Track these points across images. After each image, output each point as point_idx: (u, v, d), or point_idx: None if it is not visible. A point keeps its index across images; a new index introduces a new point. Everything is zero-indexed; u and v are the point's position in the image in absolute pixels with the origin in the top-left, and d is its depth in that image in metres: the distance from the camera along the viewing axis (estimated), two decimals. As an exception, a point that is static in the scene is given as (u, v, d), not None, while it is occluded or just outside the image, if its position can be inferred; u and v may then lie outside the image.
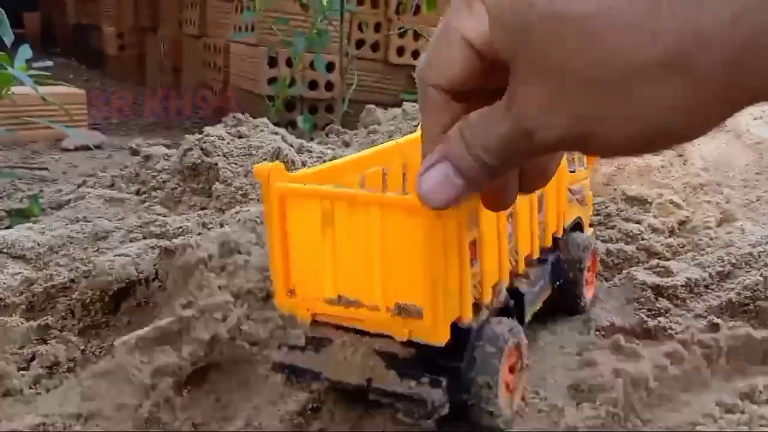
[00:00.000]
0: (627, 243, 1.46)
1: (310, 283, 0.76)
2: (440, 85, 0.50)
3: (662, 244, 1.43)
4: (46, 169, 2.39)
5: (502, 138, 0.46)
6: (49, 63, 6.25)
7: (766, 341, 1.00)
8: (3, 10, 1.61)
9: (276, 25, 2.98)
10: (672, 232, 1.58)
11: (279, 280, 0.78)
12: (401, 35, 3.48)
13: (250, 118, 2.04)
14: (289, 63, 3.13)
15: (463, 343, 0.75)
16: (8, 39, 1.60)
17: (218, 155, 1.53)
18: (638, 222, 1.57)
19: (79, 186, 1.69)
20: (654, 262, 1.30)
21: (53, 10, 7.04)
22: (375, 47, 3.45)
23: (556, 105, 0.42)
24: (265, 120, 2.08)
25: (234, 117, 2.05)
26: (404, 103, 2.45)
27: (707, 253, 1.30)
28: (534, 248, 0.97)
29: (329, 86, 3.27)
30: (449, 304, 0.71)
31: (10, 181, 2.14)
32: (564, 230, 1.08)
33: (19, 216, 1.49)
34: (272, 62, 3.20)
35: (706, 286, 1.22)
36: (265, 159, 1.50)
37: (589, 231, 1.20)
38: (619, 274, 1.32)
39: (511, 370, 0.82)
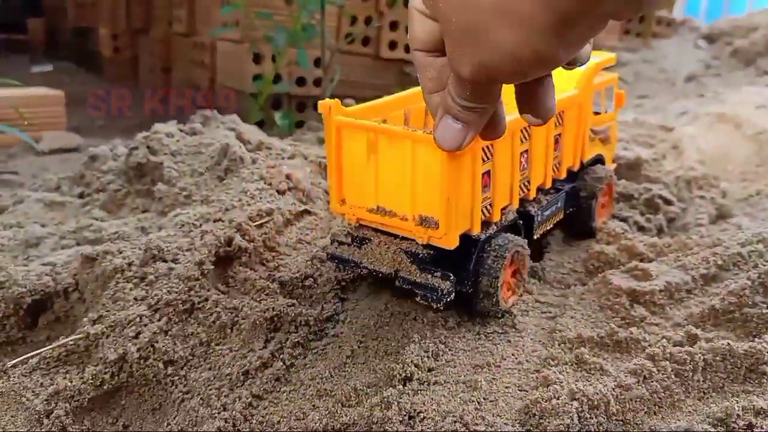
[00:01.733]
0: (608, 243, 1.32)
1: (357, 196, 1.01)
2: (419, 48, 0.68)
3: (646, 244, 1.29)
4: (15, 172, 2.31)
5: (456, 84, 0.64)
6: (49, 67, 6.22)
7: (749, 355, 0.87)
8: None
9: (258, 19, 2.87)
10: (660, 231, 1.45)
11: (334, 192, 1.03)
12: (393, 28, 3.36)
13: (218, 115, 1.94)
14: (274, 59, 3.02)
15: (471, 250, 1.00)
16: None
17: (165, 154, 1.42)
18: (623, 220, 1.43)
19: (21, 190, 1.60)
20: (633, 264, 1.16)
21: (57, 15, 7.01)
22: (366, 41, 3.34)
23: (456, 50, 0.59)
24: (234, 117, 1.97)
25: (202, 114, 1.95)
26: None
27: (693, 253, 1.17)
28: (547, 179, 1.18)
29: (318, 82, 3.15)
30: (460, 219, 0.95)
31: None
32: (582, 165, 1.28)
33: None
34: (258, 59, 3.09)
35: (688, 291, 1.08)
36: (213, 157, 1.39)
37: (611, 166, 1.39)
38: (596, 277, 1.19)
39: (513, 274, 1.08)
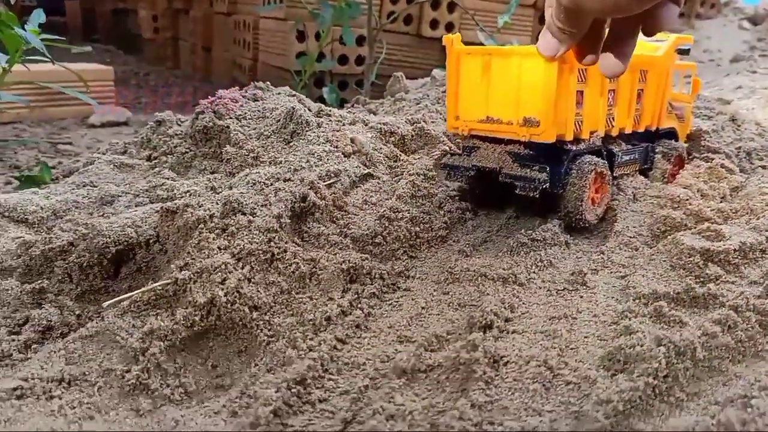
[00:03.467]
0: (674, 208, 1.32)
1: (470, 110, 1.26)
2: None
3: (713, 209, 1.28)
4: (70, 143, 2.37)
5: (557, 8, 0.80)
6: (88, 48, 6.34)
7: (834, 308, 0.86)
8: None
9: (302, -4, 2.88)
10: (723, 198, 1.43)
11: (451, 110, 1.28)
12: (435, 7, 3.35)
13: (272, 87, 1.96)
14: (318, 37, 3.04)
15: (563, 157, 1.21)
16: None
17: (231, 118, 1.45)
18: (686, 187, 1.42)
19: (91, 152, 1.64)
20: (704, 226, 1.16)
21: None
22: (408, 20, 3.33)
23: None
24: (286, 88, 2.00)
25: (254, 85, 1.98)
26: (434, 70, 2.33)
27: (764, 215, 1.16)
28: (627, 124, 1.37)
29: (360, 60, 3.16)
30: (558, 119, 1.16)
31: (34, 155, 2.13)
32: (658, 132, 1.47)
33: (28, 182, 1.44)
34: (301, 36, 3.11)
35: (763, 251, 1.08)
36: (278, 120, 1.42)
37: (683, 142, 1.56)
38: (665, 239, 1.18)
39: (597, 190, 1.27)
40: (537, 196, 1.21)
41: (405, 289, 1.10)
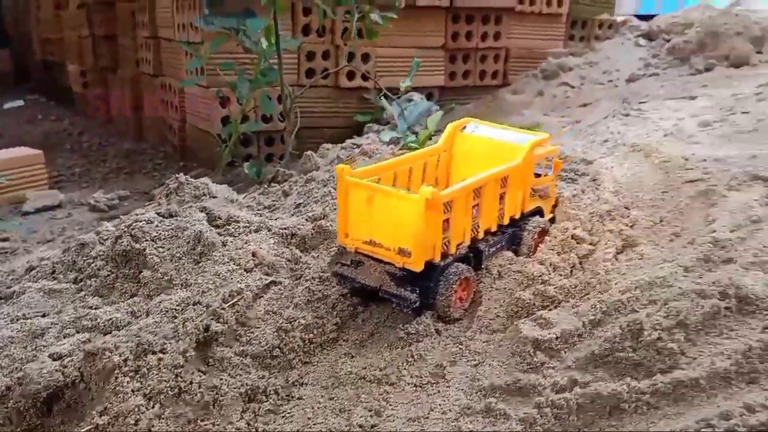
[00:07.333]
0: (527, 287, 1.57)
1: (356, 231, 1.48)
2: None
3: (557, 288, 1.54)
4: (6, 239, 2.51)
5: None
6: (20, 102, 6.36)
7: (612, 396, 1.13)
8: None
9: (221, 69, 3.07)
10: (573, 268, 1.69)
11: (341, 227, 1.51)
12: (349, 60, 3.57)
13: (191, 180, 2.16)
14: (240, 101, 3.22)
15: (432, 272, 1.45)
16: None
17: (147, 240, 1.65)
18: (541, 263, 1.68)
19: (24, 273, 1.82)
20: (539, 313, 1.42)
21: (24, 46, 7.11)
22: (325, 74, 3.55)
23: None
24: (206, 181, 2.20)
25: (176, 179, 2.18)
26: (335, 144, 2.57)
27: (588, 299, 1.42)
28: (492, 225, 1.63)
29: (284, 117, 3.37)
30: (425, 251, 1.41)
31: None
32: (523, 214, 1.72)
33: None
34: (224, 102, 3.29)
35: (579, 336, 1.34)
36: (188, 242, 1.63)
37: (548, 216, 1.83)
38: (513, 324, 1.44)
39: (463, 290, 1.52)
40: (410, 312, 1.46)
41: (298, 398, 1.32)
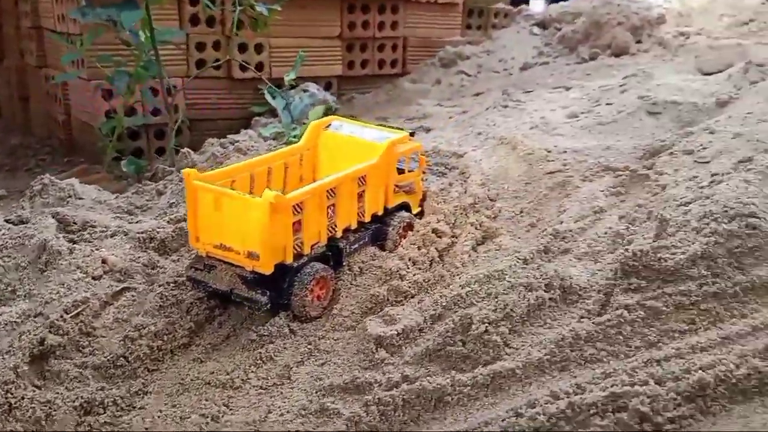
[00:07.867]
0: (384, 283, 1.60)
1: (207, 235, 1.47)
2: None
3: (410, 282, 1.58)
4: None
5: None
6: None
7: (437, 390, 1.18)
8: None
9: (100, 62, 2.95)
10: (432, 262, 1.74)
11: (192, 231, 1.50)
12: (242, 50, 3.50)
13: (56, 181, 2.09)
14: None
15: (285, 273, 1.45)
16: None
17: (-8, 250, 1.59)
18: (401, 258, 1.72)
19: None
20: (387, 309, 1.46)
21: None
22: (217, 65, 3.47)
23: None
24: (72, 182, 2.13)
25: (40, 180, 2.10)
26: (221, 139, 2.53)
27: (431, 294, 1.47)
28: (352, 223, 1.64)
29: (174, 108, 3.28)
30: (275, 253, 1.42)
31: None
32: (387, 210, 1.75)
33: None
34: (108, 94, 3.17)
35: (420, 331, 1.39)
36: (34, 251, 1.57)
37: (416, 210, 1.88)
38: (361, 323, 1.47)
39: (320, 288, 1.53)
40: (262, 313, 1.49)
41: (140, 407, 1.31)
